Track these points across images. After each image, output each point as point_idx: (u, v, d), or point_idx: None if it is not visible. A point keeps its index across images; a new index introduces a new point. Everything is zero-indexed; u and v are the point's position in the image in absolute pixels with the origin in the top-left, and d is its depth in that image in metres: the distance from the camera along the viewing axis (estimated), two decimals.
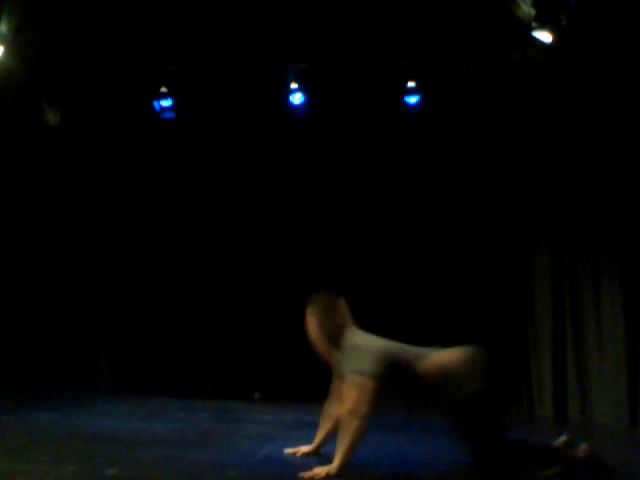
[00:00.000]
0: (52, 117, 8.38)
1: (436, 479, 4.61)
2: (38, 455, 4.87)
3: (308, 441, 5.15)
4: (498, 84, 7.81)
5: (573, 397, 7.45)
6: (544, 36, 6.59)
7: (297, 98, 8.26)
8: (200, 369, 8.75)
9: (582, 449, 4.52)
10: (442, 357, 4.54)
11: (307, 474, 4.32)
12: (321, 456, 4.91)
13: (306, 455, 4.98)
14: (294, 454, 5.03)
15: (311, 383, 8.45)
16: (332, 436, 4.80)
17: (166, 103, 8.46)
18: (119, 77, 8.18)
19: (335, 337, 4.65)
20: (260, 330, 8.70)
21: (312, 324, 4.73)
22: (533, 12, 6.48)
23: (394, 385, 4.49)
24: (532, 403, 7.83)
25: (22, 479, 4.19)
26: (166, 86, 8.36)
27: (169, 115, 8.59)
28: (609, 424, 6.99)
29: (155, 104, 8.47)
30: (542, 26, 6.53)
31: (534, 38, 6.63)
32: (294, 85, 8.18)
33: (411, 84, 8.00)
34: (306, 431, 5.24)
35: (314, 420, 5.36)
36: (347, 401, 4.41)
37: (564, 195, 7.70)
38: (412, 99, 8.10)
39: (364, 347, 4.51)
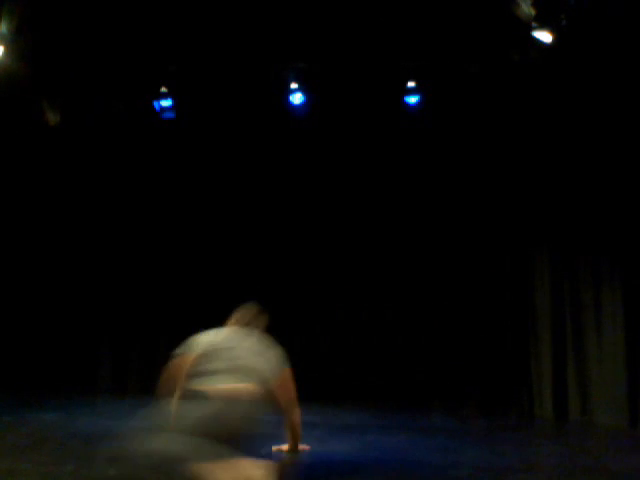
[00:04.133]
0: (52, 117, 8.38)
1: (436, 479, 4.61)
2: (38, 455, 4.87)
3: (308, 440, 5.16)
4: (498, 84, 7.81)
5: (573, 397, 7.46)
6: (544, 36, 6.59)
7: (297, 98, 8.27)
8: None
9: None
10: None
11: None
12: None
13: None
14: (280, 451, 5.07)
15: (310, 383, 8.50)
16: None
17: (166, 103, 8.47)
18: (119, 77, 8.18)
19: None
20: None
21: None
22: (533, 12, 6.48)
23: None
24: (532, 403, 7.83)
25: (22, 479, 4.19)
26: (166, 86, 8.37)
27: (169, 115, 8.59)
28: (609, 424, 6.99)
29: (155, 104, 8.48)
30: (542, 26, 6.53)
31: (534, 38, 6.63)
32: (294, 85, 8.18)
33: (411, 84, 8.01)
34: (305, 431, 5.23)
35: (313, 420, 5.37)
36: (291, 392, 4.64)
37: (564, 195, 7.70)
38: (412, 99, 8.10)
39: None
